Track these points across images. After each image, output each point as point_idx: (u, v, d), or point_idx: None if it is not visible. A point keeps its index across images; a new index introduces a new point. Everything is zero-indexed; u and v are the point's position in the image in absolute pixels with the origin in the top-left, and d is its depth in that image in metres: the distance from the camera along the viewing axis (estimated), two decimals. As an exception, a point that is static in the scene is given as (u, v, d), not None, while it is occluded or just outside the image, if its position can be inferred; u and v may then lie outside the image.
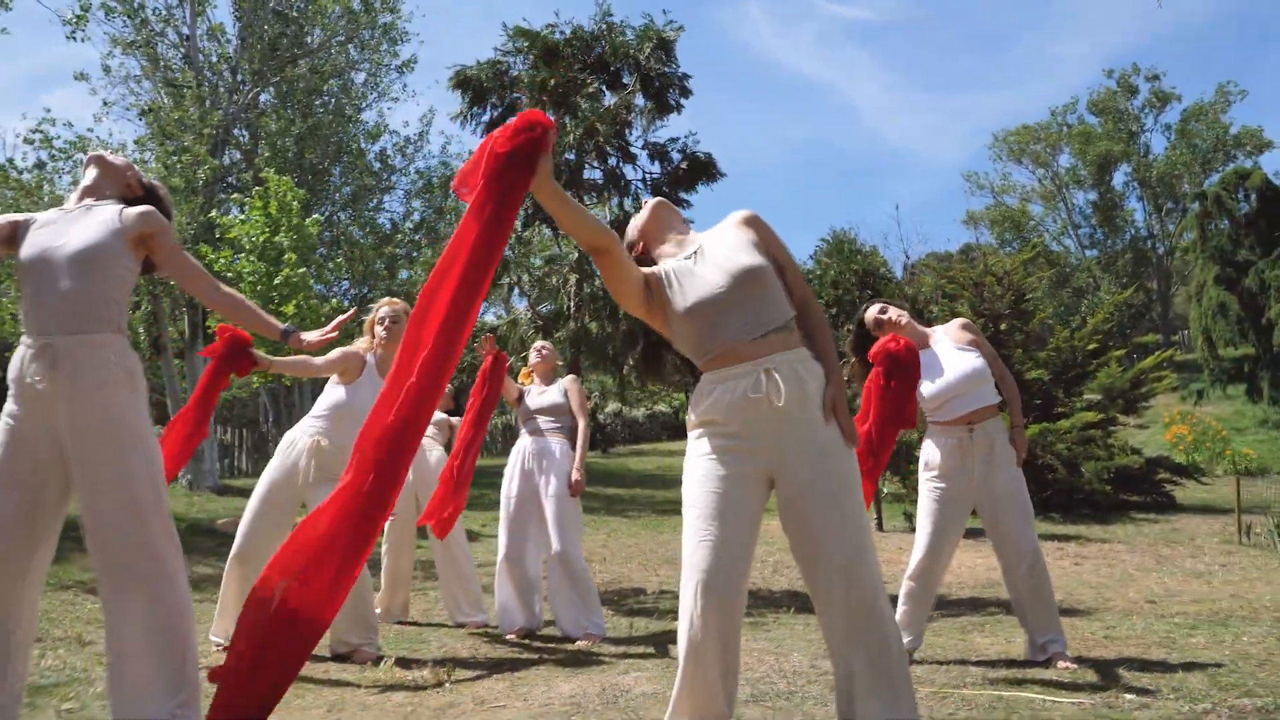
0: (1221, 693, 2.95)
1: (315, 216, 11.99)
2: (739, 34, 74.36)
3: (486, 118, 6.94)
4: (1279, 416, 21.96)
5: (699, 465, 2.26)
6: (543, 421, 4.68)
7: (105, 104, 17.05)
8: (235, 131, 16.83)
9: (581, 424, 4.66)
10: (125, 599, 2.35)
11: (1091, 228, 34.17)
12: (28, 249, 2.48)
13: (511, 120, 2.12)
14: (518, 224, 6.73)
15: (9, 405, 2.44)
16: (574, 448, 4.60)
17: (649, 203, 2.46)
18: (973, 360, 3.65)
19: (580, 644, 4.34)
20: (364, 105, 19.18)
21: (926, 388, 3.65)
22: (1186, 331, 27.68)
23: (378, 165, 19.17)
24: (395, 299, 4.23)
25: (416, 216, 19.30)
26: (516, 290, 6.70)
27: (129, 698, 2.33)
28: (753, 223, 2.41)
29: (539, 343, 4.87)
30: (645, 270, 2.35)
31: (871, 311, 3.81)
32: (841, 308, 12.12)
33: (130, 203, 2.68)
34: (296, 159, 16.76)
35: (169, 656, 2.35)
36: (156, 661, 2.34)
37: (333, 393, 4.06)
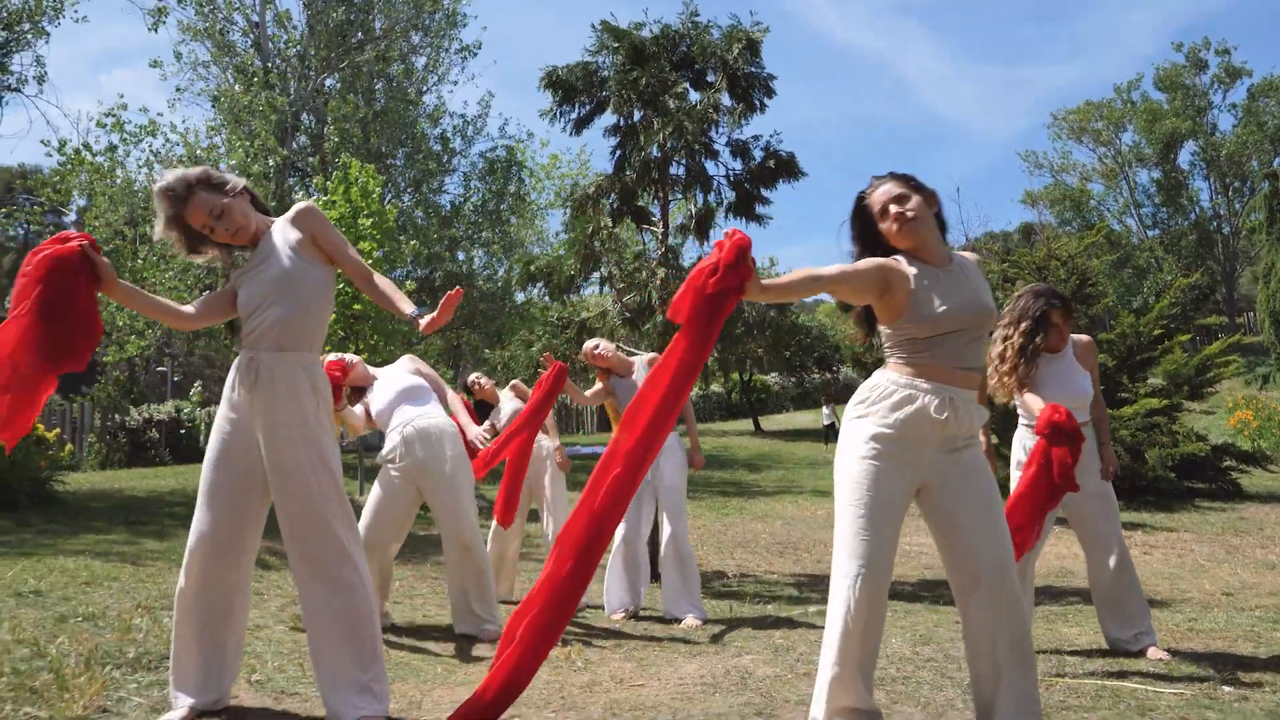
0: (1318, 687, 3.13)
1: (394, 202, 12.32)
2: (787, 3, 73.43)
3: (574, 115, 7.16)
4: (1348, 401, 21.52)
5: (861, 466, 2.49)
6: None
7: (179, 90, 17.51)
8: (303, 117, 17.26)
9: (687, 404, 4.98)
10: (317, 585, 2.66)
11: (1155, 207, 33.50)
12: (242, 296, 2.78)
13: (718, 254, 2.35)
14: (608, 219, 6.96)
15: (222, 410, 2.75)
16: (678, 433, 4.93)
17: (904, 229, 2.53)
18: (1085, 385, 3.89)
19: (685, 625, 4.62)
20: (425, 89, 19.51)
21: (1045, 393, 3.80)
22: (1252, 314, 27.12)
23: (438, 148, 19.51)
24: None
25: (476, 199, 19.65)
26: (607, 285, 6.93)
27: (328, 669, 2.65)
28: (982, 268, 2.69)
29: (589, 345, 5.06)
30: (892, 266, 2.51)
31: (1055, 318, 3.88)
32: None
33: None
34: (364, 144, 17.14)
35: (357, 634, 2.65)
36: (347, 638, 2.64)
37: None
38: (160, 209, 2.75)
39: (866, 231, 2.62)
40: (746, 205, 7.31)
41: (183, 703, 2.61)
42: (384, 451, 4.31)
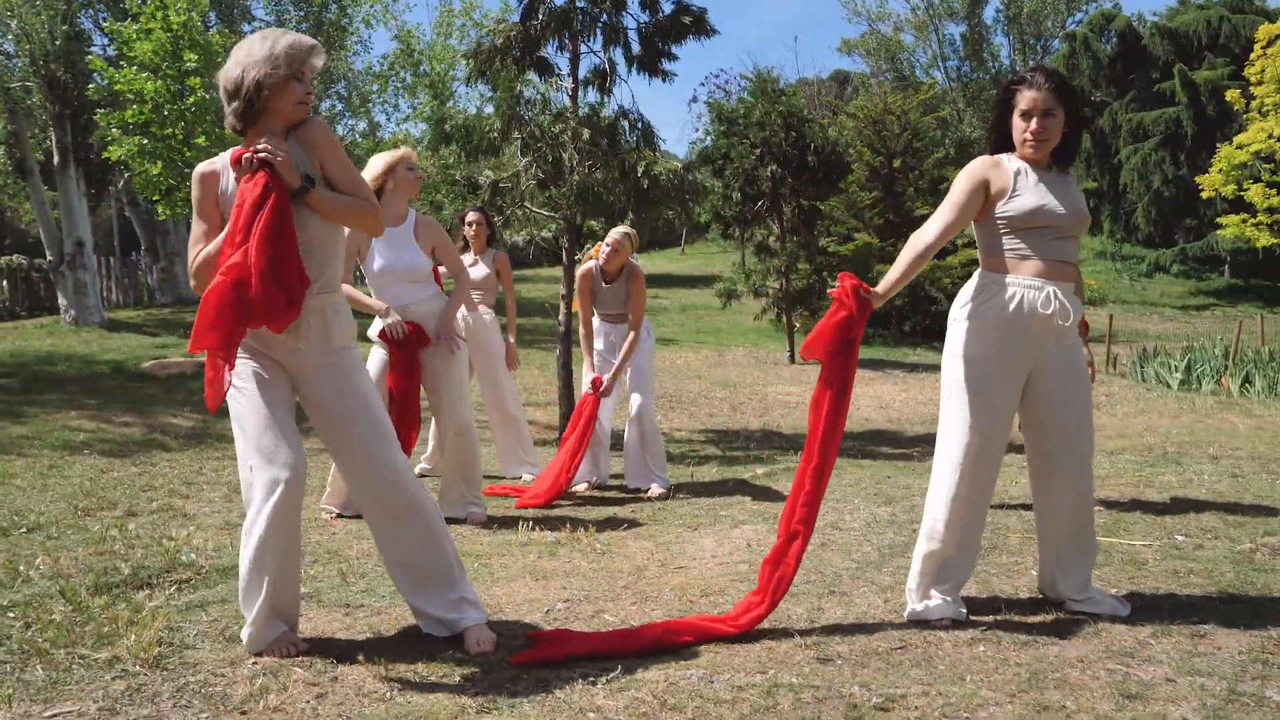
0: (1247, 532, 3.69)
1: (221, 28, 11.02)
2: None
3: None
4: (1115, 248, 24.23)
5: (970, 367, 2.66)
6: (615, 314, 4.95)
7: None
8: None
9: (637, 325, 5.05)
10: (387, 508, 2.55)
11: (960, 60, 35.21)
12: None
13: (842, 303, 2.63)
14: (531, 77, 6.58)
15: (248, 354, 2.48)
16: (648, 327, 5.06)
17: (1030, 145, 2.65)
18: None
19: (651, 494, 4.77)
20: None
21: None
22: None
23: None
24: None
25: (290, 27, 17.76)
26: (521, 145, 6.56)
27: (420, 594, 2.57)
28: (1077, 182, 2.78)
29: (615, 236, 4.89)
30: (986, 177, 2.65)
31: None
32: (768, 148, 12.38)
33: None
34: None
35: (439, 551, 2.57)
36: (432, 559, 2.56)
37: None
38: (295, 59, 2.33)
39: (1003, 115, 2.70)
40: (652, 61, 7.07)
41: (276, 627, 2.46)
42: (376, 329, 4.03)
